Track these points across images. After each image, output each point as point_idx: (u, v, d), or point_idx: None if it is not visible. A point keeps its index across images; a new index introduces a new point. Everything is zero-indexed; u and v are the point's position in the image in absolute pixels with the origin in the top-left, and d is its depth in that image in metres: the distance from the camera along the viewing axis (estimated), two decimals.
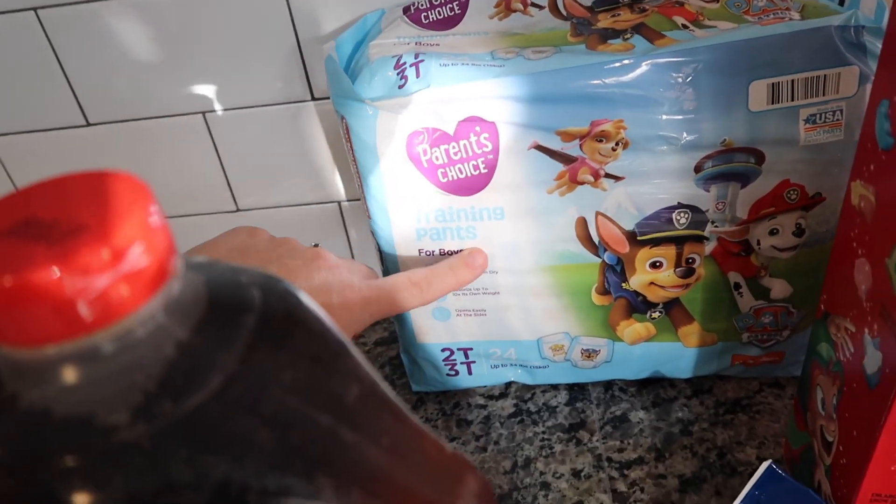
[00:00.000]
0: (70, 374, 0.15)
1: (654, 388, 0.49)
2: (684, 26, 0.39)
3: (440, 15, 0.44)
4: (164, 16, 0.50)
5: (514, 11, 0.44)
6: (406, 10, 0.45)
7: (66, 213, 0.15)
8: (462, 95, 0.38)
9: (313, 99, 0.53)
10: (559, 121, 0.38)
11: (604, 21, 0.41)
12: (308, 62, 0.52)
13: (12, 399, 0.15)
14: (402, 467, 0.17)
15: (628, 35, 0.39)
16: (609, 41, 0.39)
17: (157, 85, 0.53)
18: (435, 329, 0.47)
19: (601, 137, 0.38)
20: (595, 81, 0.37)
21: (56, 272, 0.14)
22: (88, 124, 0.55)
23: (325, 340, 0.18)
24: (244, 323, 0.17)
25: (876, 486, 0.31)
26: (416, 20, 0.44)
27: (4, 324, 0.15)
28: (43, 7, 0.50)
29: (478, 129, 0.39)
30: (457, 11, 0.44)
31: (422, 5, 0.44)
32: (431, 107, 0.38)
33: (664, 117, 0.37)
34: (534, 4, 0.44)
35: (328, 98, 0.52)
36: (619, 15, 0.41)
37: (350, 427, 0.16)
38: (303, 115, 0.54)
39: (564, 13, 0.43)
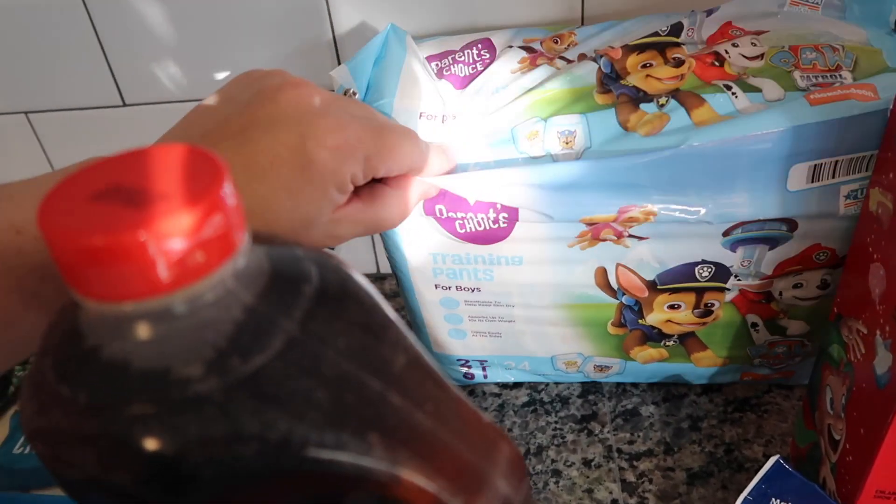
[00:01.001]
0: (146, 330, 0.17)
1: (665, 384, 0.50)
2: (727, 87, 0.36)
3: (462, 73, 0.41)
4: (203, 3, 0.51)
5: (540, 66, 0.40)
6: (429, 58, 0.42)
7: (150, 182, 0.17)
8: (483, 181, 0.36)
9: None
10: (585, 209, 0.37)
11: (634, 71, 0.38)
12: (342, 56, 0.53)
13: (95, 350, 0.17)
14: (443, 431, 0.18)
15: (663, 101, 0.36)
16: (641, 106, 0.36)
17: (193, 70, 0.55)
18: (451, 344, 0.47)
19: (629, 223, 0.37)
20: (626, 171, 0.35)
21: (141, 235, 0.16)
22: (125, 104, 0.57)
23: (375, 312, 0.19)
24: (303, 292, 0.18)
25: (880, 483, 0.32)
26: (438, 74, 0.41)
27: (91, 280, 0.16)
28: None
29: (498, 206, 0.38)
30: (479, 69, 0.41)
31: (447, 62, 0.42)
32: (450, 187, 0.37)
33: (696, 203, 0.36)
34: (562, 58, 0.41)
35: None
36: (651, 65, 0.38)
37: (398, 392, 0.18)
38: None
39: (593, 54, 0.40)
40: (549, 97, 0.38)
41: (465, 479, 0.18)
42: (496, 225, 0.39)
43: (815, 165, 0.34)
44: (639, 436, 0.47)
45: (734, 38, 0.38)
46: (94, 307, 0.16)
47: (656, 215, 0.36)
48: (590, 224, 0.38)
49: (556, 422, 0.49)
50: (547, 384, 0.52)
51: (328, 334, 0.18)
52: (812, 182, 0.35)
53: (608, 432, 0.47)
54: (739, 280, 0.40)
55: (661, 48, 0.39)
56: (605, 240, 0.39)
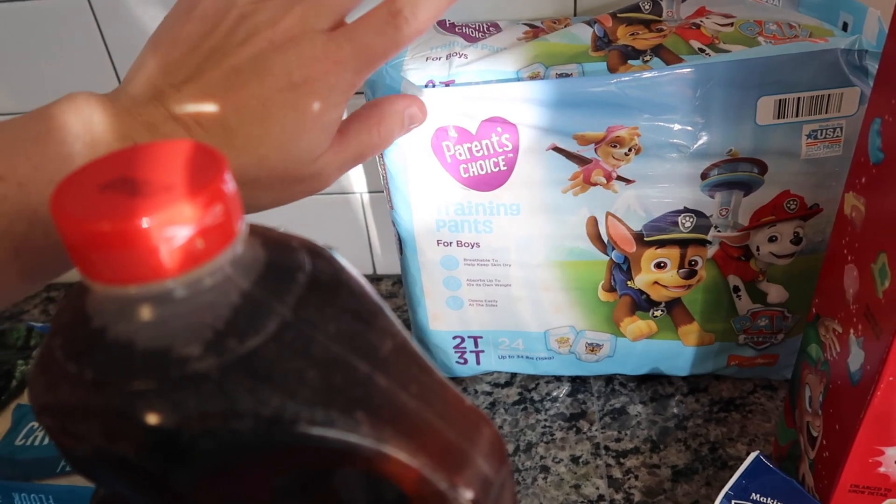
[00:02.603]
0: (148, 312, 0.18)
1: (652, 384, 0.51)
2: (701, 50, 0.41)
3: (471, 35, 0.46)
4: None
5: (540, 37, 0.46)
6: (440, 22, 0.47)
7: (154, 173, 0.18)
8: (487, 95, 0.40)
9: None
10: (577, 125, 0.41)
11: (623, 37, 0.43)
12: None
13: (101, 330, 0.18)
14: (427, 412, 0.19)
15: (648, 57, 0.41)
16: (630, 61, 0.41)
17: None
18: (447, 317, 0.49)
19: (615, 143, 0.41)
20: (614, 90, 0.39)
21: (145, 223, 0.17)
22: None
23: (364, 300, 0.20)
24: (297, 280, 0.19)
25: (854, 478, 0.33)
26: (449, 31, 0.47)
27: (98, 264, 0.17)
28: None
29: (499, 129, 0.41)
30: (487, 35, 0.46)
31: (457, 29, 0.47)
32: (457, 104, 0.41)
33: (676, 126, 0.40)
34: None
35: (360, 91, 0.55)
36: (637, 34, 0.43)
37: (384, 374, 0.19)
38: None
39: (588, 19, 0.46)
40: (549, 47, 0.43)
41: (448, 457, 0.19)
42: (497, 168, 0.42)
43: (780, 100, 0.39)
44: (626, 434, 0.48)
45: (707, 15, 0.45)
46: (100, 290, 0.18)
47: (640, 136, 0.40)
48: (582, 141, 0.41)
49: (545, 420, 0.50)
50: (537, 384, 0.53)
51: (319, 319, 0.19)
52: (778, 118, 0.39)
53: (596, 430, 0.48)
54: (719, 231, 0.43)
55: (646, 23, 0.45)
56: (595, 183, 0.42)
